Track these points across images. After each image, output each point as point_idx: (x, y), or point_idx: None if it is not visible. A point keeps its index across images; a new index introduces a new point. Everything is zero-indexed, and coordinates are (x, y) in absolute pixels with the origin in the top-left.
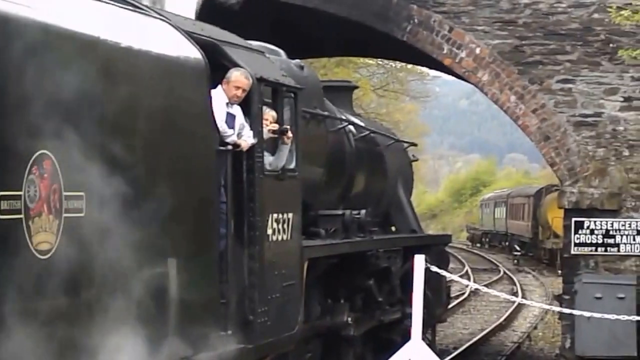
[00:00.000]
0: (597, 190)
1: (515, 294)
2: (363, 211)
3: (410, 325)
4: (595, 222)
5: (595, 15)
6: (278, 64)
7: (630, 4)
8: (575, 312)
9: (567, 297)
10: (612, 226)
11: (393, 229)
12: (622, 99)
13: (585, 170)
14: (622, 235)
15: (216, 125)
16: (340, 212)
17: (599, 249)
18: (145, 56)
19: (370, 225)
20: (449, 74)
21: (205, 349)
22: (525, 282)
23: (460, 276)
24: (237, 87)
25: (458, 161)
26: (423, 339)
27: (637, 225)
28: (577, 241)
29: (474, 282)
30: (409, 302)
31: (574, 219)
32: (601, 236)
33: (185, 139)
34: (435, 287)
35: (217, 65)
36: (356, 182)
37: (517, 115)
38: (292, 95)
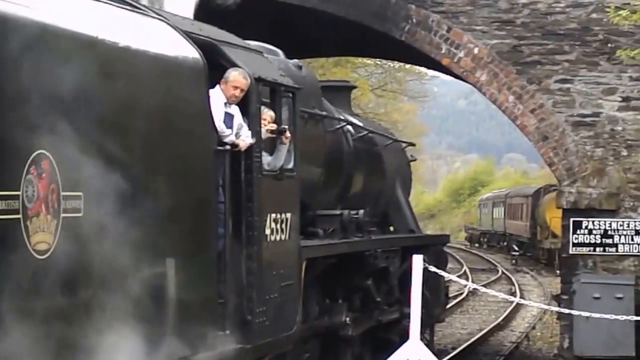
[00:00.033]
0: (596, 190)
1: (513, 294)
2: (361, 211)
3: (409, 325)
4: (593, 222)
5: (594, 15)
6: (276, 63)
7: (629, 3)
8: (573, 312)
9: (565, 297)
10: (610, 226)
11: (391, 229)
12: (620, 99)
13: (583, 170)
14: (620, 235)
15: (214, 125)
16: (338, 212)
17: (597, 249)
18: (143, 56)
19: (369, 225)
20: (447, 73)
21: (203, 349)
22: (524, 282)
23: (459, 276)
24: (235, 87)
25: (456, 161)
26: (421, 339)
27: (635, 225)
28: (575, 241)
29: (472, 282)
30: (407, 302)
31: (572, 219)
32: (599, 236)
33: (183, 139)
34: (434, 287)
35: (215, 65)
36: (354, 182)
37: (515, 115)
38: (290, 95)
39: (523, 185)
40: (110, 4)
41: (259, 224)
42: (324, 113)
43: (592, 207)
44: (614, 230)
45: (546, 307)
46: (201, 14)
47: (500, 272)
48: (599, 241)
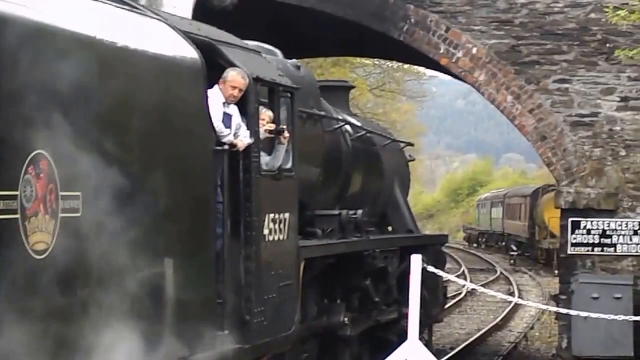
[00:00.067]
0: (594, 190)
1: (511, 294)
2: (360, 211)
3: (407, 325)
4: (591, 222)
5: (592, 15)
6: (274, 63)
7: (627, 3)
8: (572, 312)
9: (563, 297)
10: (608, 226)
11: (390, 229)
12: (618, 99)
13: (581, 170)
14: (618, 235)
15: (212, 125)
16: (336, 212)
17: (596, 249)
18: (141, 56)
19: (367, 225)
20: (445, 73)
21: (202, 348)
22: (522, 282)
23: (457, 276)
24: (234, 87)
25: (455, 161)
26: (420, 339)
27: (633, 225)
28: (573, 241)
29: (471, 282)
30: (405, 302)
31: (570, 219)
32: (598, 236)
33: (181, 139)
34: (432, 287)
35: (213, 64)
36: (353, 182)
37: (513, 115)
38: (289, 95)
39: (521, 185)
40: (109, 4)
41: (257, 224)
42: (323, 113)
43: (590, 207)
44: (613, 230)
45: (544, 307)
46: (199, 14)
47: (498, 272)
48: (597, 241)
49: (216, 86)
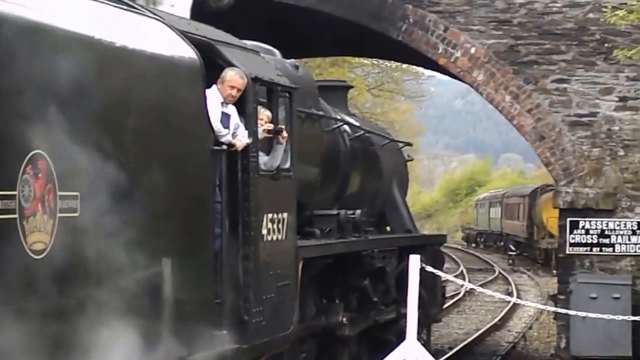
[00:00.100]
0: (592, 190)
1: (510, 294)
2: (358, 211)
3: (405, 325)
4: (590, 222)
5: (591, 15)
6: (273, 63)
7: (626, 3)
8: (570, 312)
9: (562, 297)
10: (607, 226)
11: (388, 228)
12: (617, 99)
13: (580, 170)
14: (617, 235)
15: (211, 124)
16: (335, 212)
17: (594, 249)
18: (140, 56)
19: (365, 225)
20: (444, 73)
21: (200, 348)
22: (520, 282)
23: (455, 276)
24: (232, 87)
25: (453, 161)
26: (418, 339)
27: (632, 225)
28: (572, 241)
29: (469, 282)
30: (404, 302)
31: (569, 219)
32: (596, 236)
33: (180, 139)
34: (430, 287)
35: (211, 64)
36: (351, 182)
37: (512, 115)
38: (287, 94)
39: (520, 185)
40: (107, 4)
41: (256, 224)
42: (321, 113)
43: (589, 207)
44: (611, 230)
45: (543, 307)
46: (196, 14)
47: (497, 272)
48: (595, 241)
49: (214, 86)
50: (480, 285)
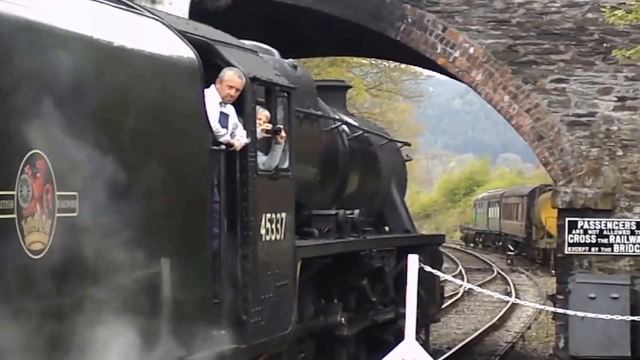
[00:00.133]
0: (591, 190)
1: (508, 294)
2: (356, 211)
3: (404, 325)
4: (589, 222)
5: (589, 15)
6: (271, 63)
7: (624, 3)
8: (569, 312)
9: (560, 297)
10: (605, 226)
11: (386, 228)
12: (615, 99)
13: (579, 170)
14: (615, 235)
15: (209, 124)
16: (333, 212)
17: (593, 248)
18: (138, 55)
19: (364, 225)
20: (442, 73)
21: (199, 348)
22: (519, 282)
23: (454, 276)
24: (231, 87)
25: (452, 161)
26: (417, 339)
27: (630, 225)
28: (570, 241)
29: (468, 282)
30: (402, 302)
31: (567, 219)
32: (595, 236)
33: (178, 139)
34: (429, 287)
35: (210, 64)
36: (350, 181)
37: (510, 115)
38: (286, 94)
39: (518, 185)
40: (106, 3)
41: (254, 224)
42: (319, 113)
43: (587, 207)
44: (610, 230)
45: (541, 307)
46: (195, 14)
47: (495, 272)
48: (594, 241)
49: (213, 86)
50: (479, 285)
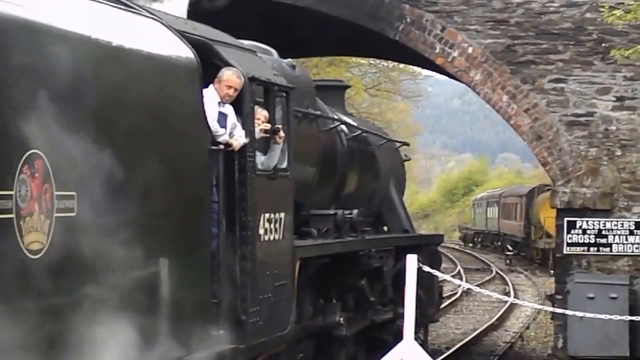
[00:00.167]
0: (590, 190)
1: (507, 293)
2: (355, 211)
3: (403, 325)
4: (587, 221)
5: (588, 15)
6: (270, 63)
7: (623, 3)
8: (567, 312)
9: (559, 297)
10: (604, 226)
11: (385, 228)
12: (614, 99)
13: (577, 170)
14: (614, 235)
15: (208, 124)
16: (332, 211)
17: (592, 248)
18: (137, 55)
19: (363, 225)
20: (441, 73)
21: (198, 348)
22: (518, 282)
23: (453, 276)
24: (229, 87)
25: (450, 161)
26: (415, 338)
27: (629, 225)
28: (569, 241)
29: (466, 282)
30: (401, 302)
31: (566, 219)
32: (593, 236)
33: (177, 138)
34: (428, 287)
35: (209, 64)
36: (348, 181)
37: (509, 115)
38: (284, 94)
39: (517, 185)
40: (104, 3)
41: (253, 224)
42: (318, 113)
43: (586, 207)
44: (608, 230)
45: (540, 307)
46: (193, 14)
47: (494, 272)
48: (593, 241)
49: (211, 86)
50: (478, 285)
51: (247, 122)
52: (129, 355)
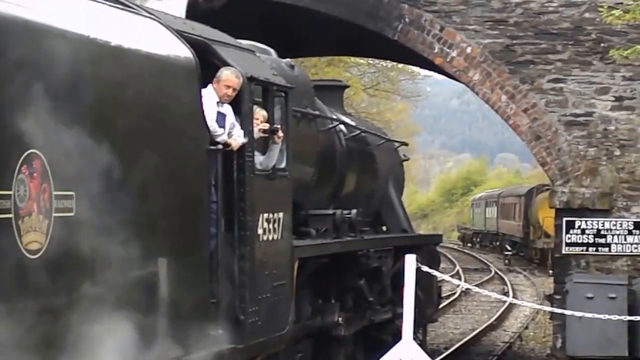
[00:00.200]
0: (589, 190)
1: (506, 293)
2: (354, 211)
3: (401, 325)
4: (586, 221)
5: (587, 15)
6: (269, 63)
7: (622, 3)
8: (566, 312)
9: (558, 297)
10: (603, 226)
11: (384, 228)
12: (613, 99)
13: (576, 170)
14: (613, 235)
15: (206, 124)
16: (331, 211)
17: (590, 248)
18: (135, 55)
19: (361, 224)
20: (440, 73)
21: (196, 348)
22: (516, 282)
23: (451, 276)
24: (228, 86)
25: (449, 161)
26: (414, 338)
27: (628, 225)
28: (568, 241)
29: (465, 282)
30: (399, 302)
31: (565, 219)
32: (592, 236)
33: (175, 138)
34: (426, 287)
35: (207, 64)
36: (347, 181)
37: (508, 115)
38: (283, 94)
39: (516, 185)
40: (103, 3)
41: (252, 224)
42: (317, 112)
43: (585, 207)
44: (607, 230)
45: (539, 307)
46: (191, 14)
47: (493, 272)
48: (591, 241)
49: (210, 85)
50: (476, 285)
51: (245, 122)
52: (127, 355)
